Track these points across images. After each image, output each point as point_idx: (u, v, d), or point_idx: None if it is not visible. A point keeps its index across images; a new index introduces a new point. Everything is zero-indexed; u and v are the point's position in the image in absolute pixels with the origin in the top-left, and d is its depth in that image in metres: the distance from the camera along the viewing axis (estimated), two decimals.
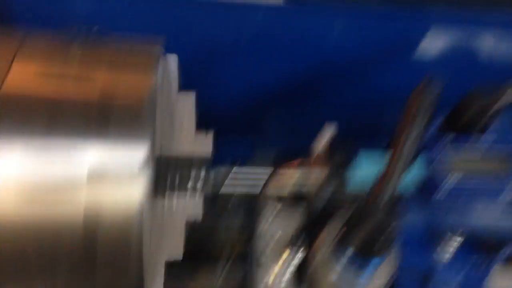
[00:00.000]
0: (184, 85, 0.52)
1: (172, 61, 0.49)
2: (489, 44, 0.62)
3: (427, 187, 0.51)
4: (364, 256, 0.43)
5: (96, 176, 0.37)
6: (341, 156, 0.50)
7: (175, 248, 0.49)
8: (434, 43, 0.62)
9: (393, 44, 0.62)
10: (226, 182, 0.52)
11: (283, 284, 0.53)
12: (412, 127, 0.42)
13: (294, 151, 0.55)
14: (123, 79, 0.41)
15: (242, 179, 0.53)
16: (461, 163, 0.50)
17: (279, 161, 0.55)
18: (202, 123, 0.62)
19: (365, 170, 0.50)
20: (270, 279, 0.53)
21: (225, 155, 0.65)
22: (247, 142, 0.68)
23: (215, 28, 0.60)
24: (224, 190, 0.52)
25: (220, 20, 0.59)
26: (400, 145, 0.42)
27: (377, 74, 0.66)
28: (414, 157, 0.44)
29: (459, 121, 0.52)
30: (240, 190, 0.53)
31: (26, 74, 0.41)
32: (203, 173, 0.46)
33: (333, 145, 0.51)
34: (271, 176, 0.52)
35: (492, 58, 0.63)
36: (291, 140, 0.60)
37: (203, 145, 0.51)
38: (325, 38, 0.60)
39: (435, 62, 0.64)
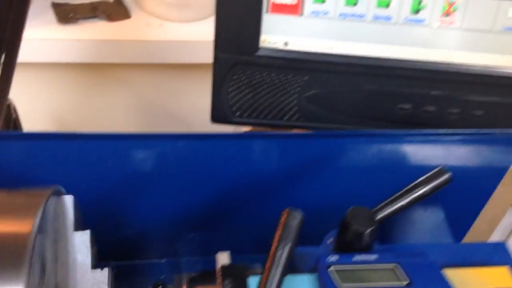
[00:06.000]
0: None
1: (68, 202, 0.53)
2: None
3: None
4: None
5: None
6: (230, 283, 0.52)
7: None
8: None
9: (312, 163, 0.66)
10: None
11: None
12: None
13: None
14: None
15: None
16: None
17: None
18: (117, 252, 0.66)
19: None
20: None
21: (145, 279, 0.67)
22: (165, 266, 0.71)
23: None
24: None
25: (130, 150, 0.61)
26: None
27: (299, 195, 0.69)
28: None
29: (342, 241, 0.55)
30: None
31: None
32: None
33: (224, 272, 0.54)
34: None
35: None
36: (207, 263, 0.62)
37: (98, 281, 0.53)
38: (243, 161, 0.64)
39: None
